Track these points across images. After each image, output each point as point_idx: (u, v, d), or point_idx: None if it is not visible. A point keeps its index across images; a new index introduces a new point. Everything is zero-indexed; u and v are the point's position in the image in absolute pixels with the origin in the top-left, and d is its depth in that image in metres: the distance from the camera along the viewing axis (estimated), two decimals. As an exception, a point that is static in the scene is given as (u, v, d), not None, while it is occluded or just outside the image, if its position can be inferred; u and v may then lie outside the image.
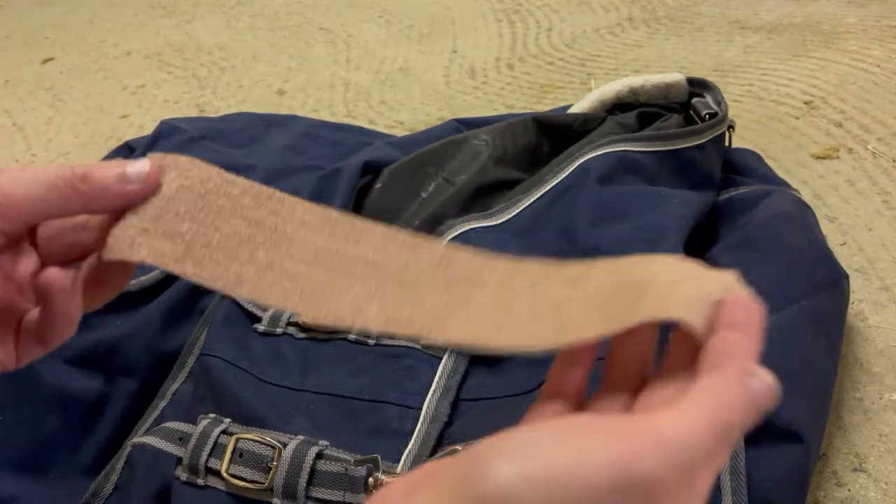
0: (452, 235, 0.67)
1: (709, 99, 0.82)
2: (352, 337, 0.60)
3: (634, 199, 0.66)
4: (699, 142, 0.73)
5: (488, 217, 0.69)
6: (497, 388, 0.55)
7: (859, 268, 0.78)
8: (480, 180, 0.77)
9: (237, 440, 0.51)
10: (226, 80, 1.48)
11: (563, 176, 0.70)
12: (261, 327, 0.61)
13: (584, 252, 0.61)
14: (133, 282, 0.69)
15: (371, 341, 0.59)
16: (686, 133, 0.73)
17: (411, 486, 0.24)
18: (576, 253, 0.62)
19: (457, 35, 1.54)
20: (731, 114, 0.81)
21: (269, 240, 0.33)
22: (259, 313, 0.62)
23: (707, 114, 0.79)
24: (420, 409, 0.54)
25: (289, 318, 0.61)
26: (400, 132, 1.16)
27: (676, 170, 0.72)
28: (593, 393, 0.31)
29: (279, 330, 0.61)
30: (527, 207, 0.69)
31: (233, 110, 1.30)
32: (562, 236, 0.65)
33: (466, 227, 0.68)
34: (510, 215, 0.69)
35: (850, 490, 0.57)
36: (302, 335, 0.61)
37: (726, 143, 0.80)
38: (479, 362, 0.57)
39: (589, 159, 0.70)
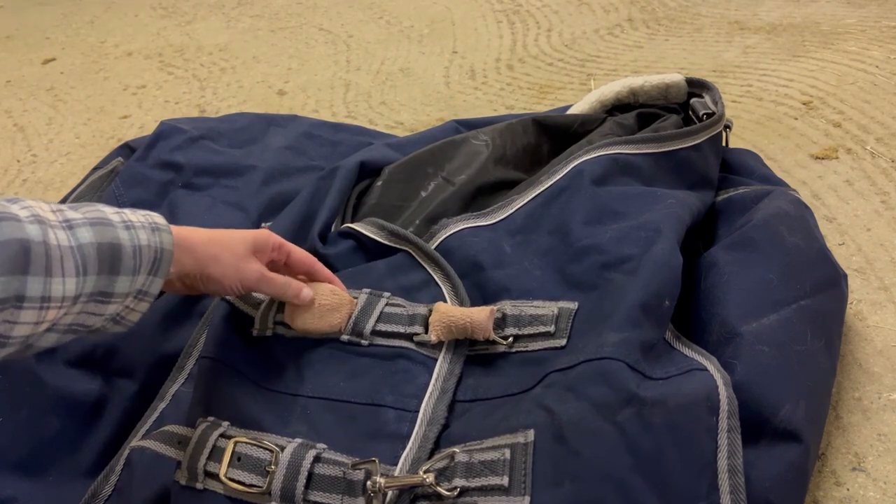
0: (446, 235, 0.67)
1: (707, 99, 0.82)
2: (344, 338, 0.59)
3: (630, 199, 0.66)
4: (694, 142, 0.73)
5: (482, 217, 0.69)
6: (494, 388, 0.55)
7: (858, 268, 0.78)
8: (481, 180, 0.77)
9: (235, 443, 0.51)
10: (226, 80, 1.49)
11: (558, 178, 0.70)
12: (254, 330, 0.61)
13: (578, 251, 0.62)
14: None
15: (364, 342, 0.59)
16: (681, 134, 0.74)
17: None
18: (570, 252, 0.62)
19: (457, 36, 1.54)
20: (731, 114, 0.81)
21: None
22: (252, 313, 0.62)
23: (705, 114, 0.79)
24: (417, 412, 0.54)
25: (274, 317, 0.61)
26: (400, 132, 1.16)
27: (672, 170, 0.72)
28: None
29: (269, 332, 0.61)
30: (520, 208, 0.69)
31: (233, 111, 1.30)
32: (556, 236, 0.65)
33: (460, 226, 0.68)
34: (504, 215, 0.69)
35: (848, 489, 0.57)
36: (292, 334, 0.60)
37: (723, 143, 0.81)
38: (475, 362, 0.57)
39: (583, 162, 0.70)
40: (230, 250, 0.54)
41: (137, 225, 0.47)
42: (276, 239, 0.59)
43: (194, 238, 0.52)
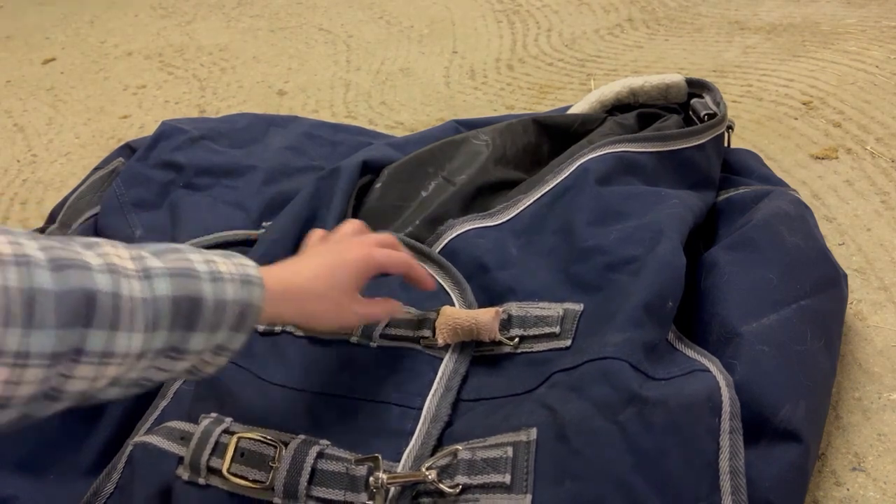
0: (452, 236, 0.68)
1: (708, 100, 0.82)
2: (353, 339, 0.60)
3: (633, 199, 0.66)
4: (698, 142, 0.74)
5: (488, 217, 0.69)
6: (497, 388, 0.55)
7: (858, 268, 0.78)
8: (481, 180, 0.77)
9: (238, 439, 0.51)
10: (226, 80, 1.49)
11: (563, 177, 0.70)
12: (260, 326, 0.61)
13: (583, 251, 0.62)
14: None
15: (373, 344, 0.59)
16: (685, 134, 0.74)
17: None
18: (575, 252, 0.62)
19: (457, 36, 1.54)
20: (731, 114, 0.81)
21: None
22: None
23: (706, 114, 0.79)
24: (421, 409, 0.54)
25: None
26: (400, 133, 1.16)
27: (675, 170, 0.72)
28: None
29: (277, 328, 0.61)
30: (526, 208, 0.69)
31: (233, 111, 1.30)
32: (561, 236, 0.65)
33: (466, 227, 0.68)
34: (510, 216, 0.69)
35: (848, 489, 0.57)
36: (300, 333, 0.61)
37: (725, 144, 0.81)
38: (480, 363, 0.58)
39: (588, 160, 0.71)
40: (337, 288, 0.51)
41: (227, 277, 0.43)
42: (377, 259, 0.55)
43: (297, 280, 0.49)
